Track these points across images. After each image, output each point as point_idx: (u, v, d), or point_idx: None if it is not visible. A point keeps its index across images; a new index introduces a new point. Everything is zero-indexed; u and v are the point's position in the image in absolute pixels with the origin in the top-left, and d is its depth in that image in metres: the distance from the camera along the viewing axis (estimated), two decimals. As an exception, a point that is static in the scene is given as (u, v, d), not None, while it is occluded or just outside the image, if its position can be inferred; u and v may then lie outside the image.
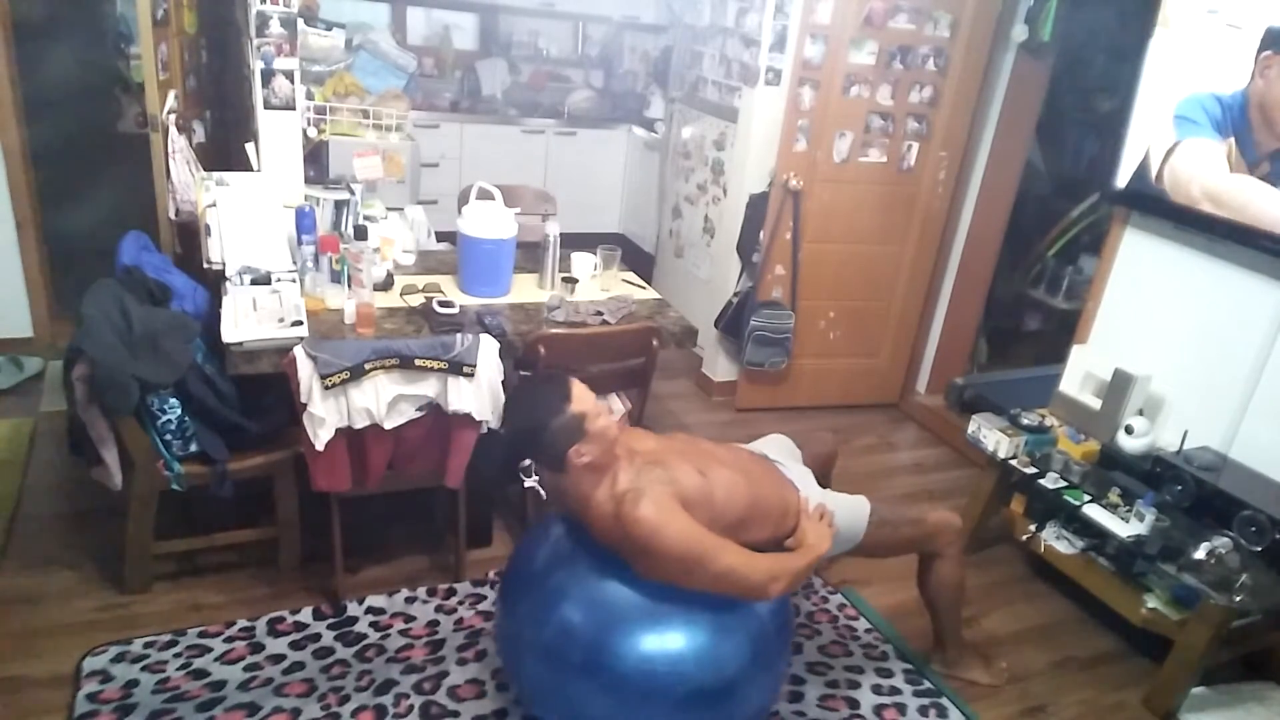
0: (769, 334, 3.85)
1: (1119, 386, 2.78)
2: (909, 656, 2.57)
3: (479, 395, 2.37)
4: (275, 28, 2.81)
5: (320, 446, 2.24)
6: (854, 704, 2.37)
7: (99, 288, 2.34)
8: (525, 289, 2.98)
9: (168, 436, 2.32)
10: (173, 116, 3.17)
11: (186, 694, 2.15)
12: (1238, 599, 2.23)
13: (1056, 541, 2.79)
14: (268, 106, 2.90)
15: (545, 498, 2.66)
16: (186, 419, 2.34)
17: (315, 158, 3.23)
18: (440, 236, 3.58)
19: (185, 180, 3.12)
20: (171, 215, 3.17)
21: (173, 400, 2.31)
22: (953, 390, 4.09)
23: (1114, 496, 2.61)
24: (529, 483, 2.62)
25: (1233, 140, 2.59)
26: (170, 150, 3.12)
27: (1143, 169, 2.82)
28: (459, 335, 2.36)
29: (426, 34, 5.64)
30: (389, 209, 3.19)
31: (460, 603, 2.58)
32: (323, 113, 3.21)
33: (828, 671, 2.48)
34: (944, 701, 2.41)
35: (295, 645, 2.35)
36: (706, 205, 4.48)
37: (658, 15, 5.76)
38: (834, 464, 2.69)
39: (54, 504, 2.82)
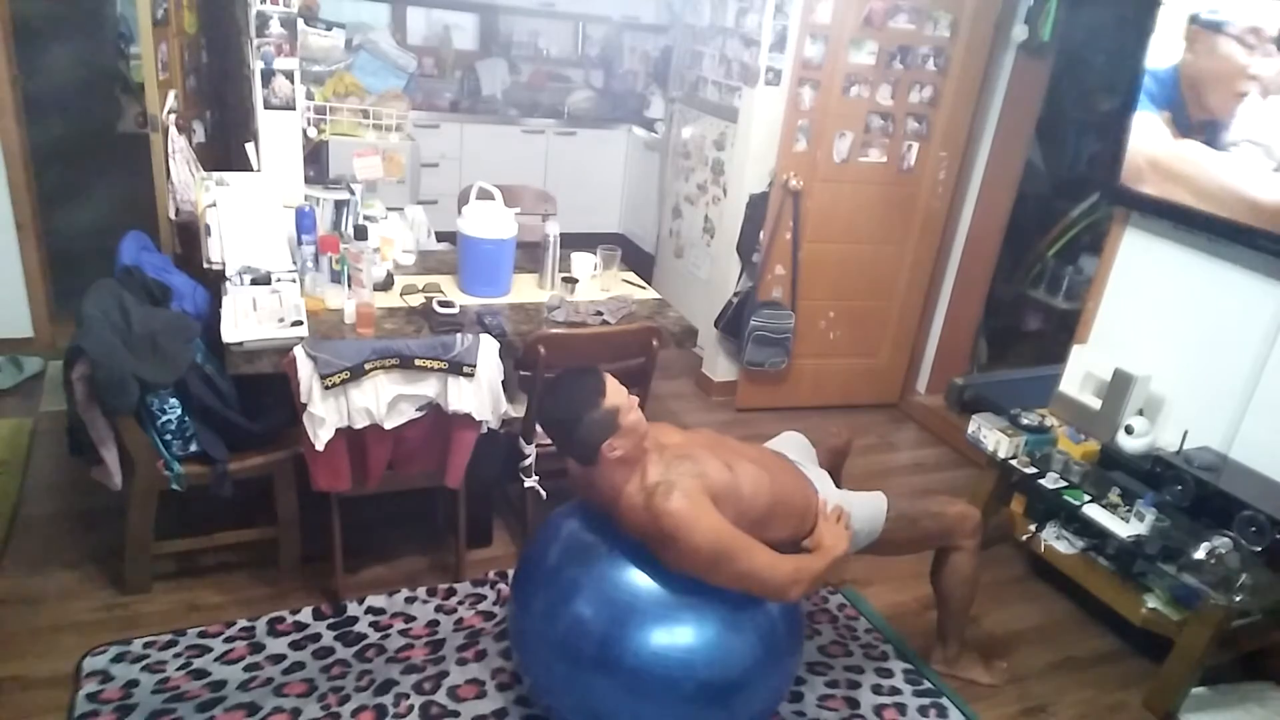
0: (769, 334, 3.85)
1: (1119, 386, 2.78)
2: (909, 656, 2.57)
3: (479, 395, 2.37)
4: (275, 28, 2.81)
5: (320, 446, 2.24)
6: (854, 704, 2.37)
7: (99, 288, 2.34)
8: (525, 289, 2.98)
9: (168, 436, 2.32)
10: (173, 116, 3.17)
11: (186, 694, 2.15)
12: (1238, 599, 2.23)
13: (1056, 541, 2.79)
14: (268, 106, 2.90)
15: (545, 497, 2.67)
16: (186, 419, 2.34)
17: (315, 158, 3.23)
18: (440, 236, 3.58)
19: (185, 180, 3.12)
20: (171, 215, 3.17)
21: (173, 400, 2.31)
22: (953, 390, 4.09)
23: (1114, 496, 2.61)
24: (529, 483, 2.62)
25: (1168, 113, 2.69)
26: (170, 150, 3.12)
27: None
28: (459, 335, 2.36)
29: (426, 34, 5.63)
30: (389, 209, 3.19)
31: (460, 603, 2.58)
32: (323, 113, 3.21)
33: (828, 671, 2.48)
34: (944, 701, 2.41)
35: (295, 645, 2.35)
36: (706, 205, 4.48)
37: (658, 15, 5.76)
38: (847, 456, 2.70)
39: (54, 504, 2.82)
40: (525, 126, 5.51)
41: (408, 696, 2.22)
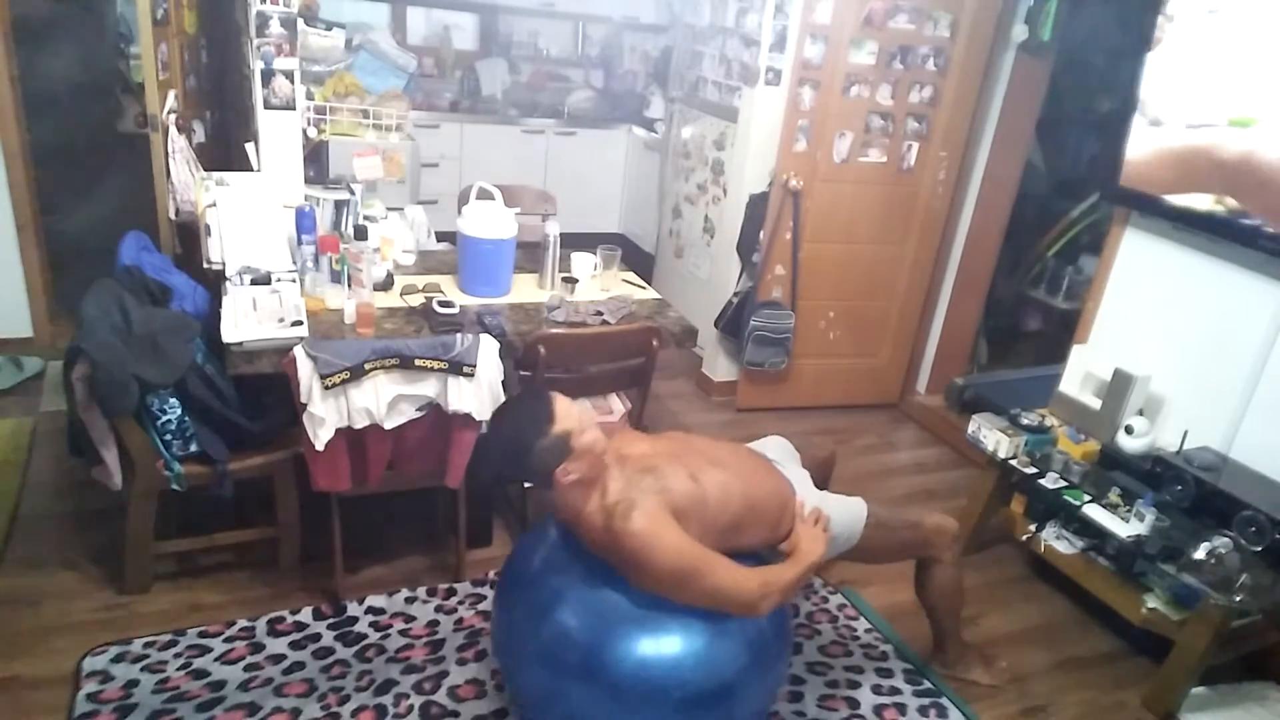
0: (769, 334, 3.85)
1: (1119, 386, 2.78)
2: (909, 657, 2.57)
3: (479, 395, 2.37)
4: (275, 28, 2.81)
5: (320, 446, 2.24)
6: (854, 704, 2.37)
7: (99, 288, 2.34)
8: (525, 289, 2.98)
9: (168, 436, 2.32)
10: (173, 116, 3.17)
11: (186, 694, 2.15)
12: (1238, 599, 2.23)
13: (1056, 541, 2.79)
14: (268, 106, 2.90)
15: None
16: (186, 419, 2.34)
17: (315, 158, 3.23)
18: (440, 236, 3.58)
19: (185, 180, 3.12)
20: (171, 215, 3.17)
21: (173, 400, 2.31)
22: (953, 390, 4.09)
23: (1114, 496, 2.61)
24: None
25: None
26: (170, 150, 3.12)
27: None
28: (459, 335, 2.36)
29: (426, 34, 5.63)
30: (389, 209, 3.19)
31: (460, 603, 2.58)
32: (323, 113, 3.21)
33: (828, 671, 2.48)
34: (944, 701, 2.41)
35: (295, 645, 2.35)
36: (706, 205, 4.48)
37: (658, 15, 5.75)
38: (832, 469, 2.67)
39: (54, 504, 2.82)
40: (525, 126, 5.51)
41: (408, 696, 2.22)
